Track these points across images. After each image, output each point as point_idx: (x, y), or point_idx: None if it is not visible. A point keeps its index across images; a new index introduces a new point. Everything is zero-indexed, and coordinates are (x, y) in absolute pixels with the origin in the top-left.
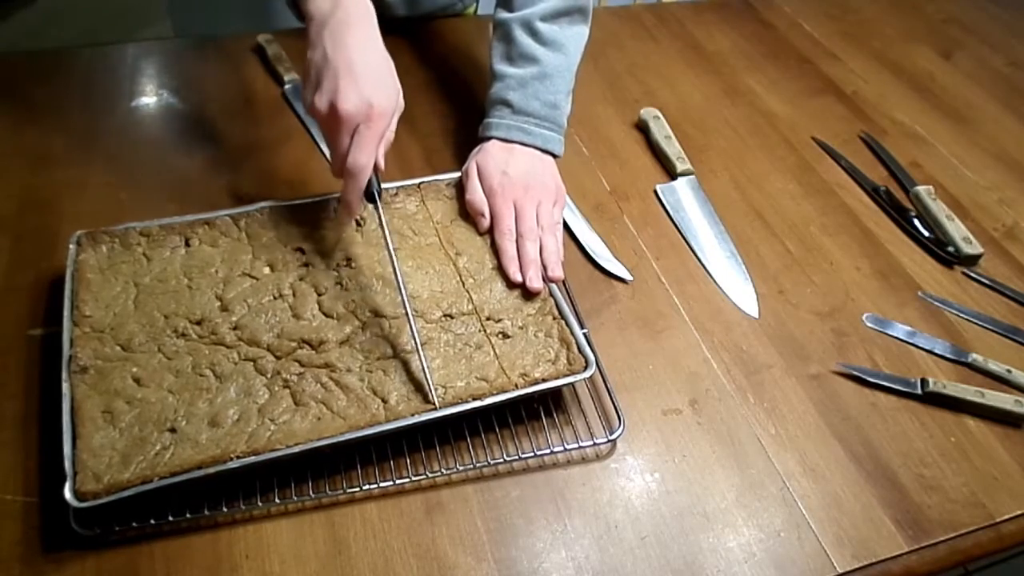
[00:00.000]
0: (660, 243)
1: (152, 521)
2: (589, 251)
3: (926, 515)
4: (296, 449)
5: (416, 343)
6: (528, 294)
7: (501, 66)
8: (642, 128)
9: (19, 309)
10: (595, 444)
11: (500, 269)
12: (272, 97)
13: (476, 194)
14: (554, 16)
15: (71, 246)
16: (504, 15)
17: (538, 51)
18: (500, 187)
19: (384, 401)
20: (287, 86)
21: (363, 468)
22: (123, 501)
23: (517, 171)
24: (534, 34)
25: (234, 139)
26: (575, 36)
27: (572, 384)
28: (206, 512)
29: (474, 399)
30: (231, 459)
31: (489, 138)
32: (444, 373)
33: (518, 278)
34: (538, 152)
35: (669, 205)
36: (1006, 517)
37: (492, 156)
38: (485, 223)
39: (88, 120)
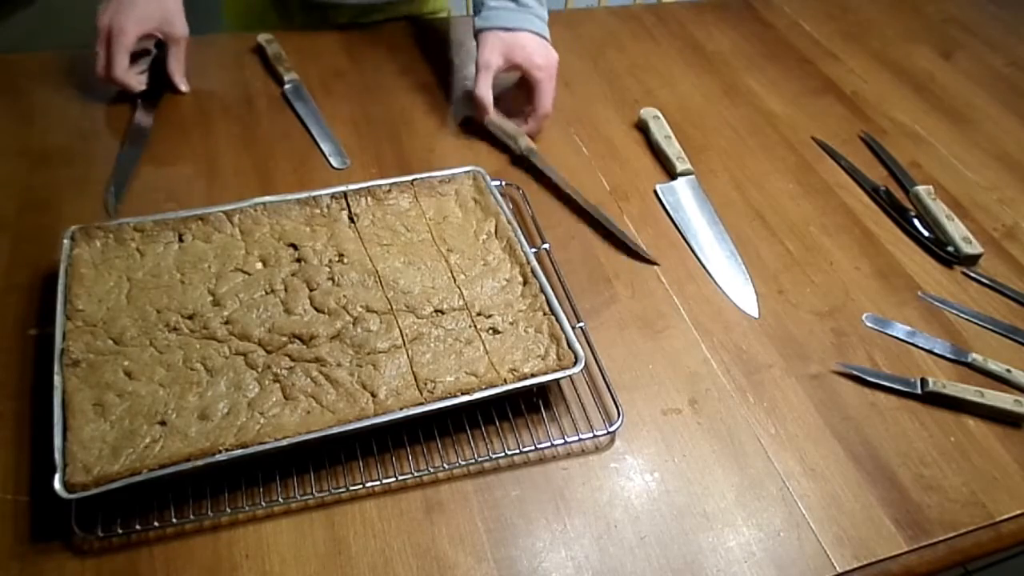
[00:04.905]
0: (660, 243)
1: (156, 524)
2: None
3: (926, 515)
4: (285, 442)
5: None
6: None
7: None
8: (642, 128)
9: (18, 309)
10: (594, 436)
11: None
12: (272, 97)
13: (487, 91)
14: None
15: (65, 241)
16: None
17: None
18: (541, 71)
19: (373, 395)
20: (287, 86)
21: (363, 464)
22: (123, 501)
23: (547, 61)
24: None
25: (234, 139)
26: None
27: (570, 379)
28: (209, 514)
29: (463, 394)
30: (219, 452)
31: (492, 28)
32: (434, 368)
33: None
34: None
35: (669, 205)
36: (1006, 517)
37: (516, 45)
38: (488, 114)
39: (88, 120)
